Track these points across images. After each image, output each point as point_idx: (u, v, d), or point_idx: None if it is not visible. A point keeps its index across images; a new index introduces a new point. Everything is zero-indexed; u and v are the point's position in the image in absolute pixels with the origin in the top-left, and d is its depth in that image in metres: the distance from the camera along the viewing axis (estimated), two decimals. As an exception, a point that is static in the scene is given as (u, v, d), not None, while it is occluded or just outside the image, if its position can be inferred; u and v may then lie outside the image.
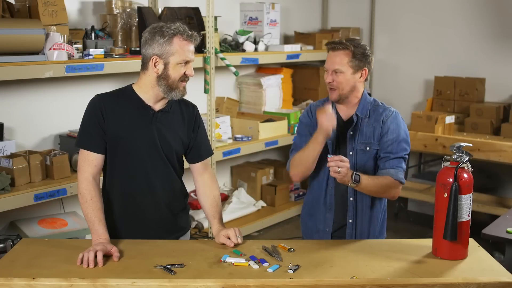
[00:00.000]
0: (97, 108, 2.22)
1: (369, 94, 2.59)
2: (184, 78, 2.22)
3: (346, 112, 2.47)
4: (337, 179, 2.26)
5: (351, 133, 2.42)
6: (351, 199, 2.44)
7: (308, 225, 2.58)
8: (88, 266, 1.96)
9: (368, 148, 2.41)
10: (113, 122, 2.22)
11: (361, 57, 2.38)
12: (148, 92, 2.24)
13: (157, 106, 2.27)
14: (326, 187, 2.47)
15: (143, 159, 2.26)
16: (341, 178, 2.25)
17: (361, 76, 2.41)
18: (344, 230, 2.48)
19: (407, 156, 2.43)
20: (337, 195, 2.46)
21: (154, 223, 2.33)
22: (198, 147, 2.38)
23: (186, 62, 2.20)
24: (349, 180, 2.26)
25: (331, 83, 2.40)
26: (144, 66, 2.24)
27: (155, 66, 2.19)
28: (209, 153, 2.44)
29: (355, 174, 2.28)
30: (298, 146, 2.51)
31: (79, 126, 2.27)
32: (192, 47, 2.21)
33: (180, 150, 2.35)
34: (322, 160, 2.41)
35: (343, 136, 2.44)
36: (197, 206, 4.50)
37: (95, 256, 1.99)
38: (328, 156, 2.25)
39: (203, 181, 2.40)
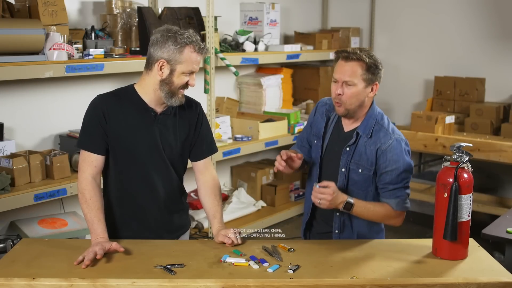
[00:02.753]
0: (99, 109, 2.22)
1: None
2: (185, 86, 2.22)
3: (348, 125, 2.33)
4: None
5: (347, 149, 2.29)
6: (337, 213, 2.33)
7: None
8: (87, 266, 1.96)
9: (360, 171, 2.27)
10: (114, 123, 2.22)
11: (374, 70, 2.21)
12: (150, 94, 2.23)
13: (159, 109, 2.26)
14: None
15: (144, 160, 2.26)
16: (327, 207, 2.18)
17: (371, 91, 2.24)
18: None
19: (408, 183, 2.28)
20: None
21: (154, 223, 2.33)
22: (200, 144, 2.37)
23: (191, 73, 2.20)
24: (339, 206, 2.20)
25: (339, 96, 2.22)
26: (149, 66, 2.21)
27: (160, 70, 2.17)
28: (212, 150, 2.42)
29: (347, 201, 2.19)
30: (298, 140, 2.54)
31: (81, 126, 2.27)
32: (200, 59, 2.21)
33: (183, 152, 2.34)
34: (314, 164, 2.40)
35: (339, 149, 2.31)
36: (197, 206, 4.50)
37: (95, 257, 2.00)
38: (314, 185, 2.19)
39: (204, 180, 2.39)
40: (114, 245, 2.07)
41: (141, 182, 2.27)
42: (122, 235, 2.29)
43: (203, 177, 2.40)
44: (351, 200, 2.21)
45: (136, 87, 2.27)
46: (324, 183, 2.19)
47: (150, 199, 2.30)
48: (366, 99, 2.26)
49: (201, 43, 2.19)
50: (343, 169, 2.29)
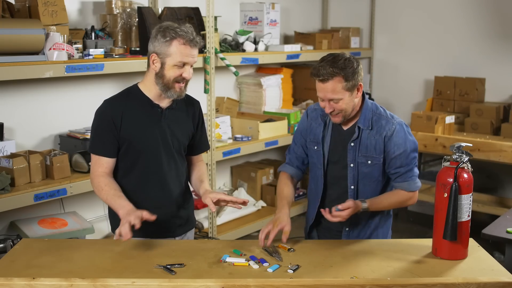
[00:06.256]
0: (108, 115, 2.27)
1: (369, 95, 2.57)
2: (181, 79, 2.25)
3: (347, 123, 2.36)
4: None
5: (352, 144, 2.34)
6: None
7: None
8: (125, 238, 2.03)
9: (369, 162, 2.33)
10: (125, 126, 2.27)
11: (353, 76, 2.22)
12: (152, 90, 2.30)
13: (164, 104, 2.32)
14: (322, 199, 2.45)
15: (154, 156, 2.31)
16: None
17: (357, 92, 2.28)
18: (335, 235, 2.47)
19: (417, 162, 2.39)
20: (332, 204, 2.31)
21: (166, 218, 2.36)
22: (199, 141, 2.48)
23: (184, 64, 2.22)
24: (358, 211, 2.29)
25: (332, 112, 2.27)
26: (148, 62, 2.30)
27: (153, 63, 2.24)
28: (208, 146, 2.56)
29: (362, 209, 2.28)
30: (292, 153, 2.54)
31: (90, 131, 2.33)
32: (193, 51, 2.22)
33: (186, 144, 2.42)
34: (317, 169, 2.43)
35: (344, 147, 2.36)
36: (197, 206, 4.50)
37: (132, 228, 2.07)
38: (336, 209, 2.23)
39: (196, 169, 2.51)
40: (145, 213, 2.10)
41: (152, 177, 2.33)
42: (135, 230, 2.31)
43: (196, 167, 2.50)
44: (366, 206, 2.29)
45: (139, 85, 2.34)
46: (344, 205, 2.22)
47: (163, 195, 2.35)
48: (356, 100, 2.29)
49: (191, 36, 2.21)
50: (352, 165, 2.36)
